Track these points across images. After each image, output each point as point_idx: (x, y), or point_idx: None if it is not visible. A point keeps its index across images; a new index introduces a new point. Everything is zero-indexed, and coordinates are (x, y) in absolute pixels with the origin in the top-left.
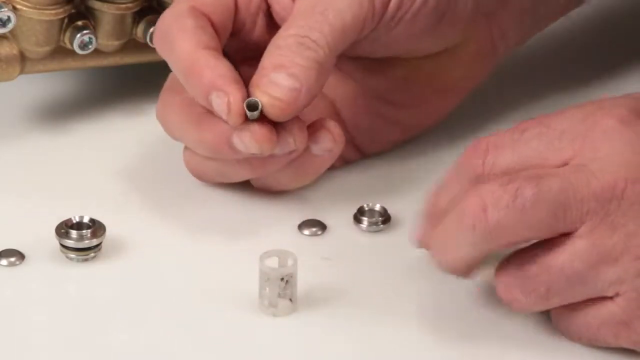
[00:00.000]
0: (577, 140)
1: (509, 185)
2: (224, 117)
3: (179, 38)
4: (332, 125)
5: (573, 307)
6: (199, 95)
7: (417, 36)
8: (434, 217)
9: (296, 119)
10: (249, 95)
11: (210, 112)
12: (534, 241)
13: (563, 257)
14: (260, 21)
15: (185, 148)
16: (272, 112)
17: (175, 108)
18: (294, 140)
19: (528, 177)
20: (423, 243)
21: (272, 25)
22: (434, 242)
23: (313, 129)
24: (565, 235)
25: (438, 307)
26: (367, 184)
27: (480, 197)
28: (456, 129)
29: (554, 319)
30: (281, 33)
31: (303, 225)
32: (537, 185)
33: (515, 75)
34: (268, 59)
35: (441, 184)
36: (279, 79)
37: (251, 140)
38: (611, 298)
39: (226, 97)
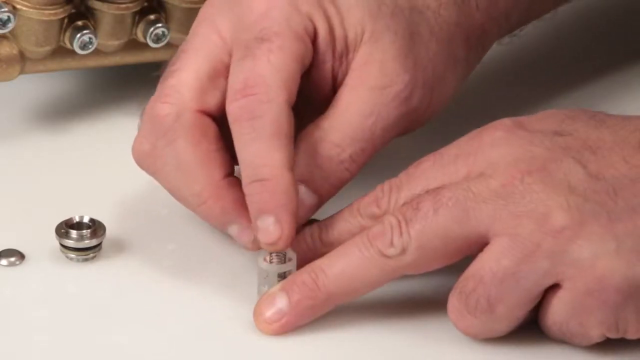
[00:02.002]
0: (470, 158)
1: (410, 204)
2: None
3: (274, 146)
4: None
5: (540, 313)
6: (256, 214)
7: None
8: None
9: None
10: None
11: (229, 183)
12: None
13: (490, 261)
14: None
15: (144, 138)
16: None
17: (192, 160)
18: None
19: (426, 193)
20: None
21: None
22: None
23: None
24: (487, 244)
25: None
26: None
27: (386, 223)
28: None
29: (544, 330)
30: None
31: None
32: (435, 197)
33: (512, 76)
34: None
35: (331, 218)
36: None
37: (248, 243)
38: (559, 286)
39: (281, 227)
